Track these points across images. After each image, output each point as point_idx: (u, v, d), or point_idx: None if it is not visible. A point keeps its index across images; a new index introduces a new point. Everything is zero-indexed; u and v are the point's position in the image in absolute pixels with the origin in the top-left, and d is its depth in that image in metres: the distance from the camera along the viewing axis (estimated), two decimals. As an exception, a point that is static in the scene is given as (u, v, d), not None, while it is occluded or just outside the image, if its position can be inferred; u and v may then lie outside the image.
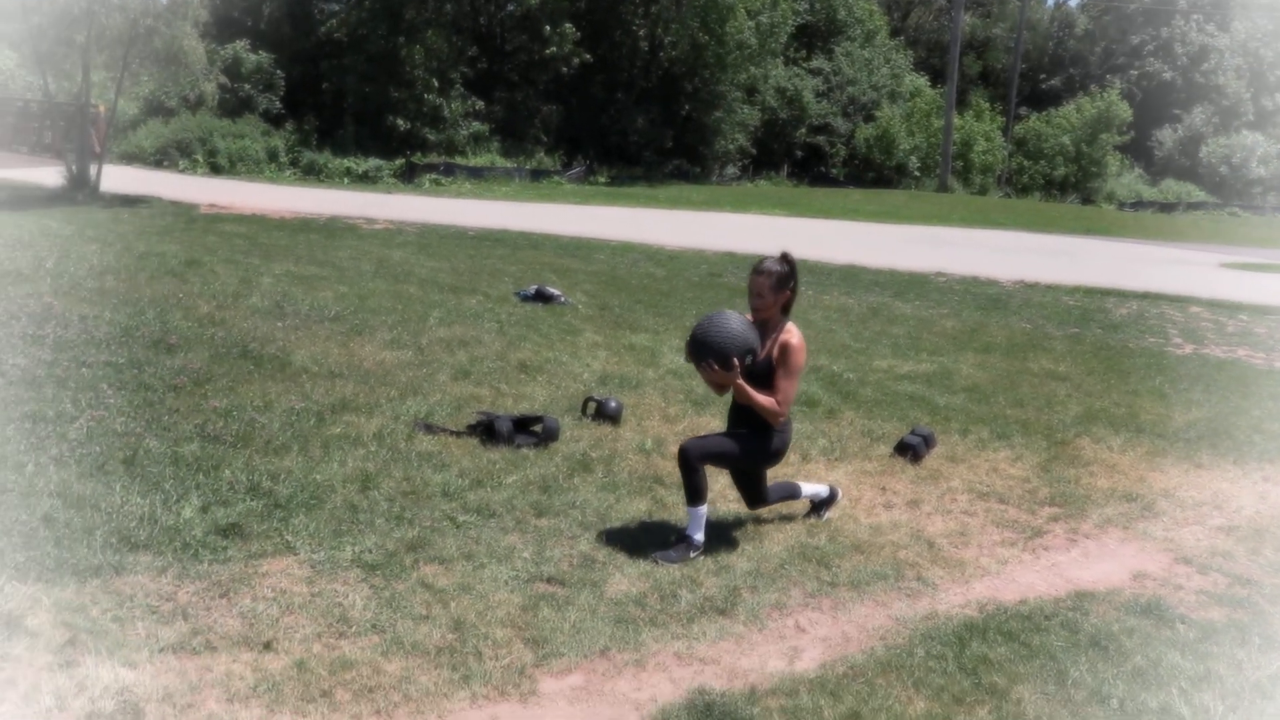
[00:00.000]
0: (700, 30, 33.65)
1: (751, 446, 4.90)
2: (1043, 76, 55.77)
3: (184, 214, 16.91)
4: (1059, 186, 41.81)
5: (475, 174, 28.85)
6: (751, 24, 34.00)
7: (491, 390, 7.24)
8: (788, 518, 5.34)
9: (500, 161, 30.60)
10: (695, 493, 4.78)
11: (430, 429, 6.18)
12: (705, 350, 4.69)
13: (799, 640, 4.00)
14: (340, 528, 4.61)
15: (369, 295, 10.28)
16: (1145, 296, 15.40)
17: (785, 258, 4.89)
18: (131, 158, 26.71)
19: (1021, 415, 7.75)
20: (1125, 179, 44.78)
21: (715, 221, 21.70)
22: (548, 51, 32.05)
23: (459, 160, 29.80)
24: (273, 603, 3.83)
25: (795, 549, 4.88)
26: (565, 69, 32.91)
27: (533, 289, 11.25)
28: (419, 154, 29.55)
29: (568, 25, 32.05)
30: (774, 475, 5.36)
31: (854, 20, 41.00)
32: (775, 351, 4.78)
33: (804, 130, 38.76)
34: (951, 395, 8.21)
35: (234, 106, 29.18)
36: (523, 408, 6.76)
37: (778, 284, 4.83)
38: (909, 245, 19.05)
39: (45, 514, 4.38)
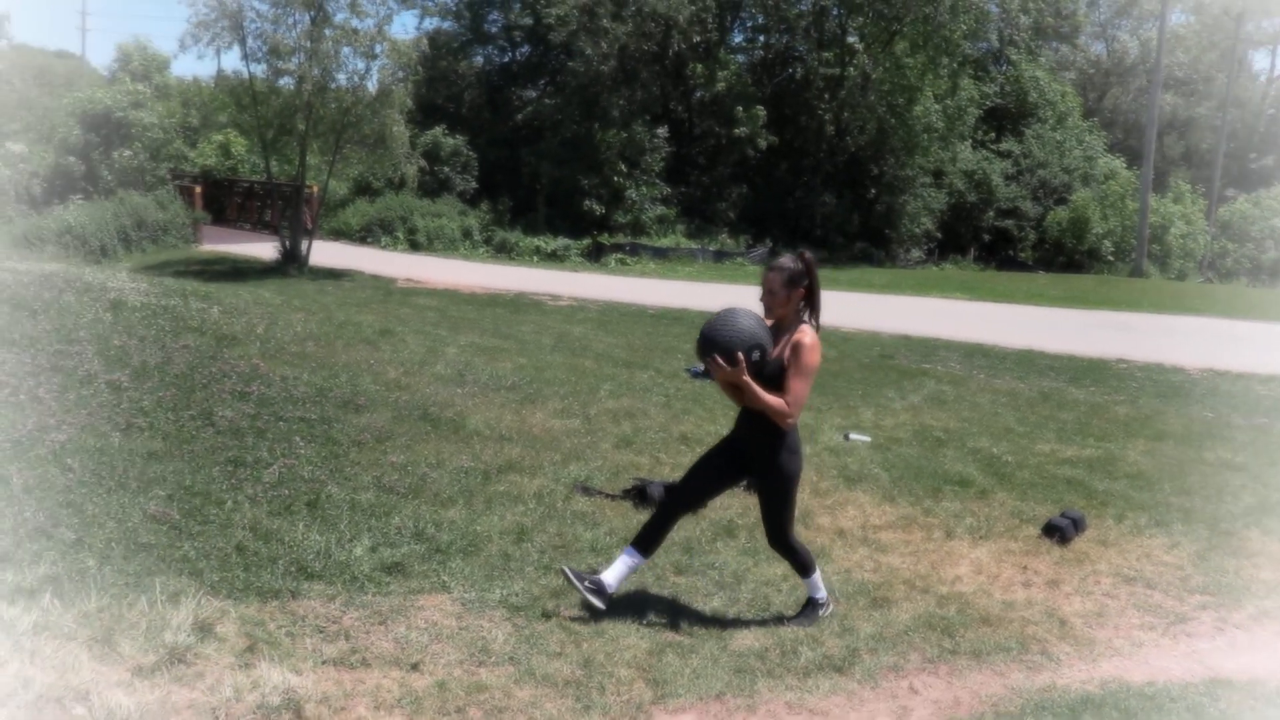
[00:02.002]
0: (887, 114, 33.82)
1: (775, 472, 4.77)
2: (1252, 156, 53.35)
3: (382, 287, 18.13)
4: (1268, 272, 39.78)
5: (660, 254, 29.67)
6: (938, 108, 33.95)
7: (651, 459, 7.62)
8: (922, 588, 5.46)
9: (685, 242, 31.35)
10: (804, 567, 4.90)
11: (587, 491, 6.60)
12: (711, 345, 4.58)
13: (910, 701, 4.19)
14: (493, 573, 5.08)
15: (546, 367, 10.86)
16: (1347, 390, 14.65)
17: (801, 256, 4.75)
18: (339, 234, 28.69)
19: (1186, 504, 7.60)
20: (1342, 265, 42.26)
21: (894, 304, 21.72)
22: (736, 132, 32.83)
23: (644, 241, 30.70)
24: (424, 632, 4.32)
25: (922, 617, 5.04)
26: (752, 152, 33.60)
27: (702, 366, 11.60)
28: (606, 234, 30.61)
29: (758, 108, 32.79)
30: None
31: (1045, 102, 40.31)
32: (787, 352, 4.62)
33: (992, 214, 38.24)
34: (1112, 481, 8.12)
35: (433, 187, 31.01)
36: (678, 476, 7.10)
37: (789, 281, 4.65)
38: (1092, 330, 18.63)
39: (238, 543, 5.05)
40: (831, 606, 5.01)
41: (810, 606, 4.96)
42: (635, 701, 3.93)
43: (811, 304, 4.75)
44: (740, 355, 4.50)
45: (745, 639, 4.62)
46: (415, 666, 4.03)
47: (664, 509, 4.88)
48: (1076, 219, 36.89)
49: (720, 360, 4.55)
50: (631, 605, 4.85)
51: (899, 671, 4.44)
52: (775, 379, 4.62)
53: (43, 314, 9.22)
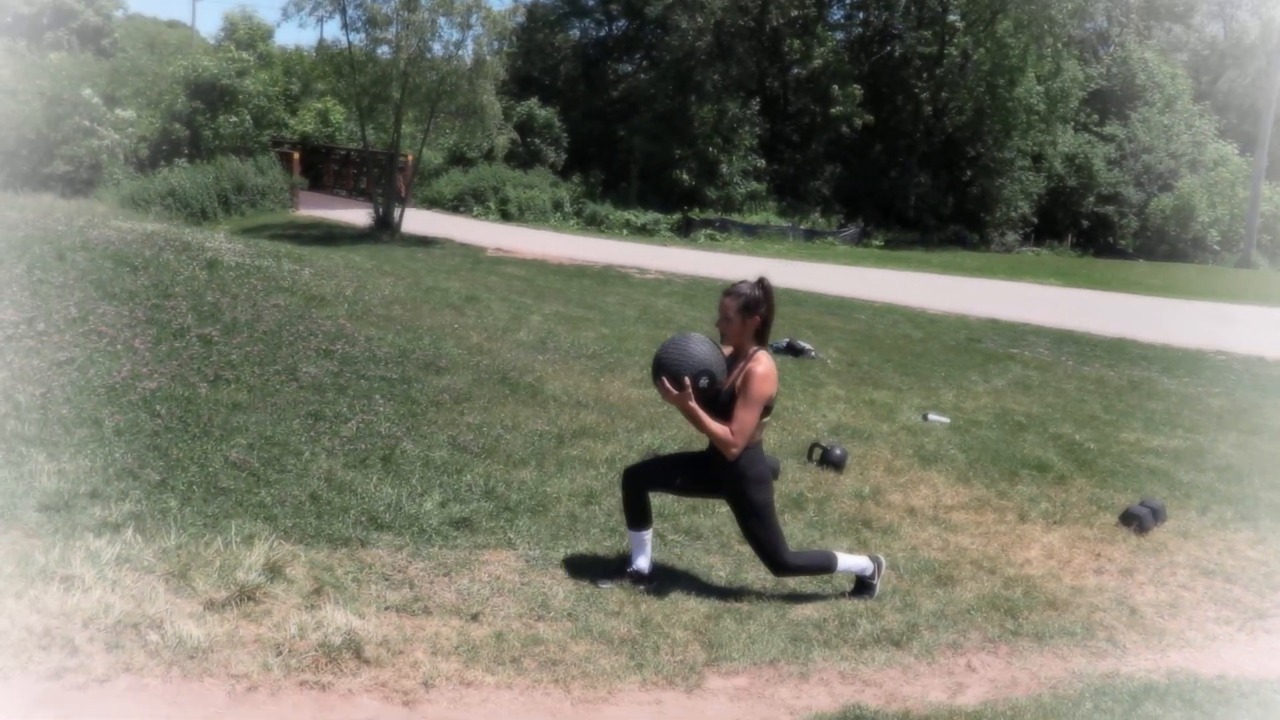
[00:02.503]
0: (986, 95, 33.11)
1: (741, 498, 4.65)
2: (1380, 142, 51.09)
3: (472, 255, 18.36)
4: (1397, 263, 38.14)
5: (750, 231, 29.52)
6: (1040, 89, 33.12)
7: (724, 431, 7.63)
8: (990, 569, 5.41)
9: (775, 220, 31.15)
10: (824, 570, 4.82)
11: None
12: (659, 369, 4.53)
13: (966, 678, 4.17)
14: (558, 533, 5.17)
15: (628, 338, 10.92)
16: None
17: (760, 283, 4.61)
18: (432, 203, 29.08)
19: (1277, 499, 7.39)
20: None
21: (985, 288, 21.33)
22: (832, 111, 32.49)
23: (735, 217, 30.58)
24: (486, 585, 4.44)
25: (986, 597, 5.00)
26: (847, 130, 33.23)
27: (785, 342, 11.56)
28: (697, 209, 30.55)
29: (854, 86, 32.39)
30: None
31: (1153, 84, 39.04)
32: (739, 380, 4.52)
33: (1092, 199, 37.26)
34: (1199, 473, 7.92)
35: (526, 159, 31.23)
36: (749, 448, 7.11)
37: (744, 308, 4.52)
38: (1191, 321, 18.07)
39: (313, 492, 5.22)
40: (883, 562, 4.97)
41: (861, 586, 4.92)
42: (688, 662, 3.98)
43: (764, 332, 4.62)
44: (687, 380, 4.43)
45: (804, 609, 4.63)
46: (475, 617, 4.14)
47: (627, 488, 4.80)
48: (1181, 206, 35.77)
49: (668, 384, 4.48)
50: (693, 571, 4.90)
51: (957, 649, 4.42)
52: (728, 406, 4.52)
53: (143, 270, 9.53)
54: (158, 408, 6.07)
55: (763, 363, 4.51)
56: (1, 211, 12.48)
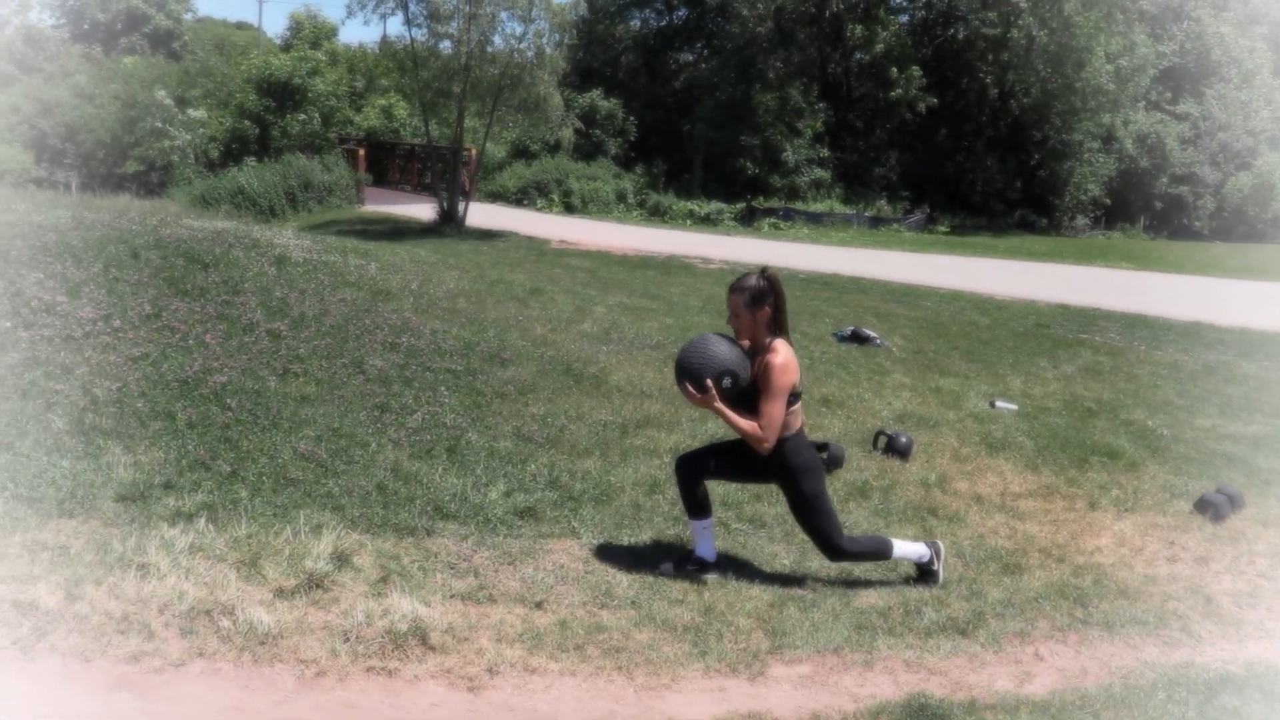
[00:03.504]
0: (1053, 76, 32.47)
1: (793, 486, 4.63)
2: None
3: (535, 248, 18.47)
4: None
5: (813, 219, 29.34)
6: (1110, 68, 32.39)
7: (789, 419, 7.60)
8: (1059, 557, 5.33)
9: (840, 208, 30.93)
10: (880, 556, 4.73)
11: (722, 448, 6.64)
12: (681, 373, 4.50)
13: (1034, 667, 4.11)
14: (622, 522, 5.19)
15: (692, 328, 10.90)
16: None
17: (763, 273, 4.56)
18: (495, 196, 29.28)
19: (1363, 487, 7.19)
20: None
21: (1054, 273, 20.99)
22: (893, 94, 32.14)
23: (799, 206, 30.40)
24: (550, 573, 4.47)
25: (1054, 585, 4.92)
26: (910, 115, 32.84)
27: (849, 330, 11.48)
28: (760, 198, 30.42)
29: (914, 69, 32.00)
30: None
31: (1230, 59, 38.00)
32: (759, 373, 4.47)
33: (1165, 180, 36.40)
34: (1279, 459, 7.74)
35: (588, 150, 31.30)
36: (814, 437, 7.07)
37: (751, 301, 4.48)
38: (1271, 304, 17.63)
39: (379, 483, 5.30)
40: (942, 548, 4.92)
41: (924, 574, 4.88)
42: (752, 650, 3.97)
43: (779, 320, 4.55)
44: (710, 383, 4.39)
45: (869, 597, 4.61)
46: (539, 605, 4.17)
47: (681, 478, 4.76)
48: (1261, 185, 34.76)
49: (690, 388, 4.45)
50: (756, 559, 4.89)
51: (1025, 638, 4.36)
52: (753, 400, 4.47)
53: (213, 267, 9.72)
54: (228, 401, 6.20)
55: (780, 353, 4.45)
56: (80, 212, 12.80)
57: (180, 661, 3.47)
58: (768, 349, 4.47)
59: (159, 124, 29.71)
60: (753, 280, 4.52)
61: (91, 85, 34.30)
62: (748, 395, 4.46)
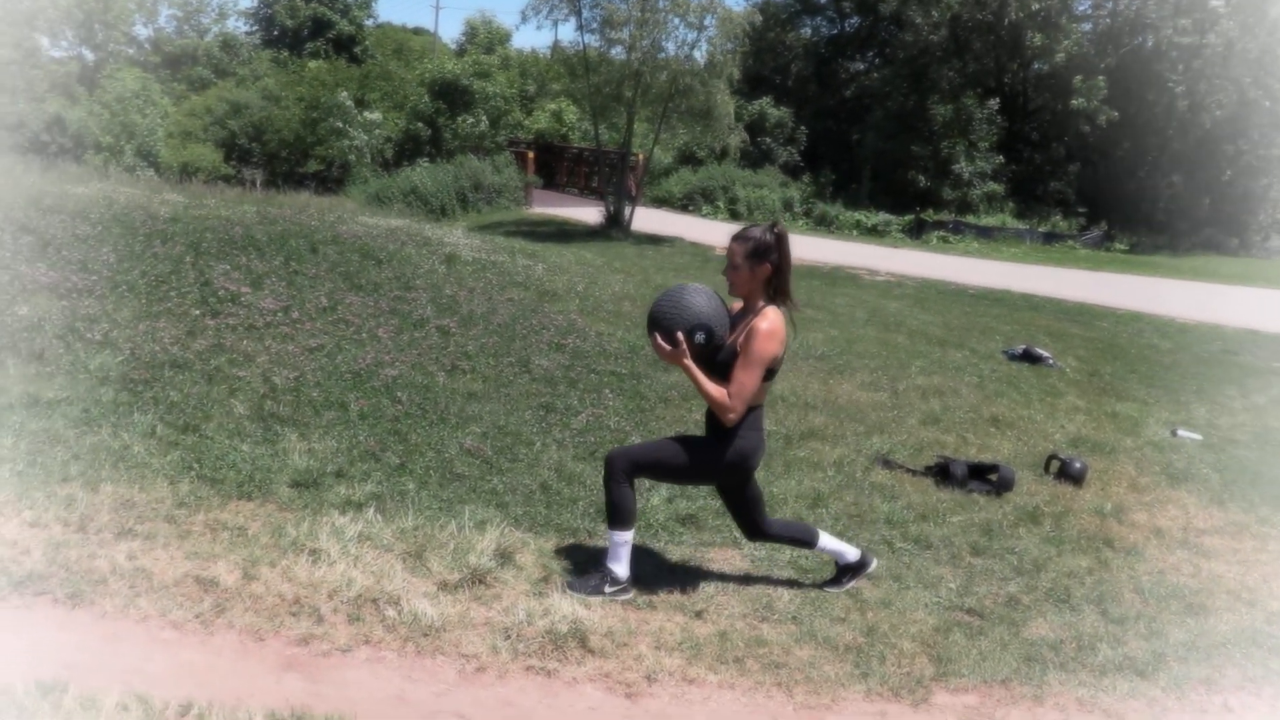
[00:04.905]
0: (1252, 85, 30.70)
1: (697, 453, 4.17)
2: None
3: (700, 254, 18.46)
4: None
5: (984, 233, 28.52)
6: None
7: (957, 438, 7.38)
8: (1249, 601, 5.00)
9: (1012, 222, 29.97)
10: (616, 512, 4.15)
11: (888, 464, 6.47)
12: (653, 322, 4.12)
13: (1222, 718, 3.85)
14: (783, 535, 5.08)
15: (857, 340, 10.72)
16: None
17: (773, 226, 4.17)
18: (661, 201, 29.40)
19: None
20: None
21: (1244, 297, 19.87)
22: (1073, 104, 30.98)
23: (969, 219, 29.61)
24: (711, 583, 4.41)
25: (1245, 632, 4.60)
26: (1089, 127, 31.59)
27: (1021, 349, 11.11)
28: (930, 211, 29.76)
29: (1099, 79, 30.77)
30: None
31: None
32: (742, 337, 4.05)
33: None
34: None
35: (756, 158, 31.15)
36: (983, 457, 6.85)
37: (752, 253, 4.06)
38: None
39: (543, 482, 5.35)
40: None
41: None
42: (916, 675, 3.83)
43: (779, 284, 4.13)
44: (680, 335, 4.01)
45: (1039, 628, 4.39)
46: (699, 614, 4.12)
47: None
48: None
49: (660, 340, 4.07)
50: (922, 580, 4.73)
51: (1211, 686, 4.08)
52: (729, 367, 4.07)
53: (387, 263, 10.02)
54: (399, 394, 6.36)
55: (768, 318, 4.04)
56: (264, 208, 13.38)
57: (347, 647, 3.54)
58: (758, 312, 4.08)
59: (339, 124, 30.88)
60: (759, 231, 4.14)
61: (278, 88, 35.96)
62: (719, 358, 4.08)
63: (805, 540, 4.49)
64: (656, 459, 4.18)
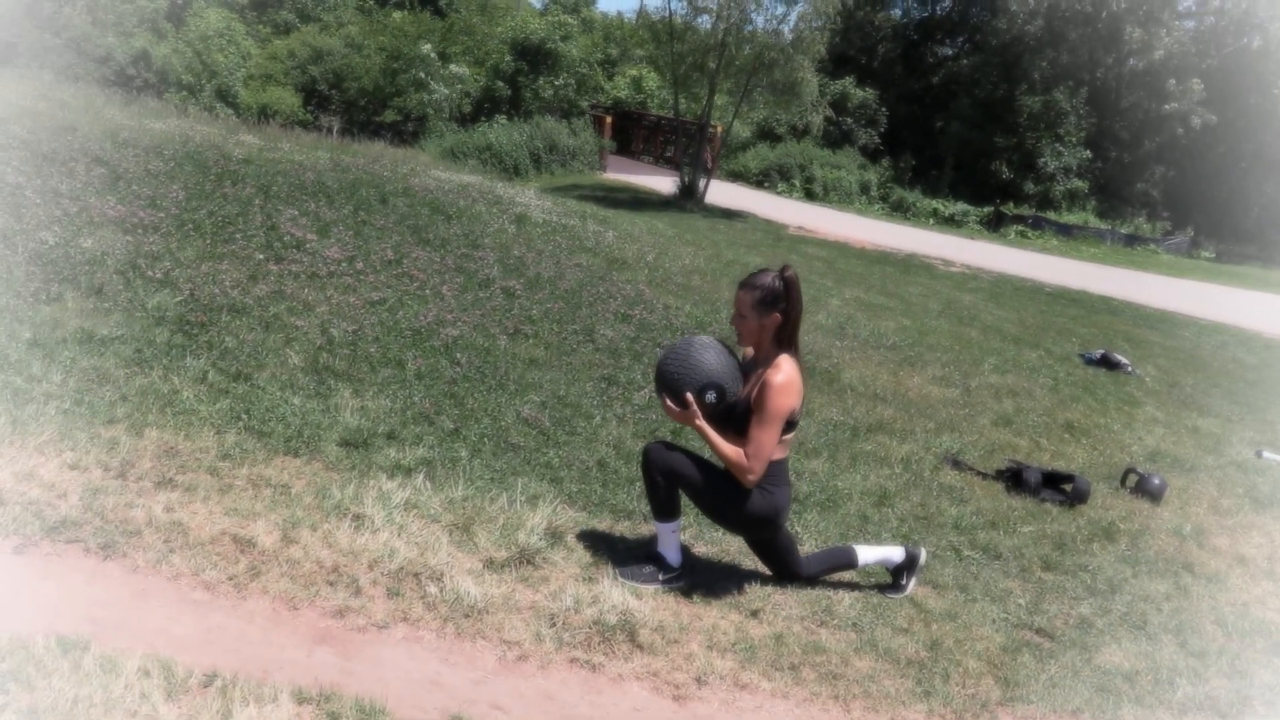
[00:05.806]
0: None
1: (726, 501, 3.94)
2: None
3: (773, 232, 18.14)
4: None
5: (1064, 231, 27.81)
6: None
7: (1030, 442, 7.09)
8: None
9: (1094, 221, 29.22)
10: (657, 504, 4.00)
11: (958, 465, 6.21)
12: (661, 382, 3.89)
13: (1311, 769, 3.58)
14: (847, 532, 4.84)
15: (929, 332, 10.41)
16: None
17: (782, 272, 3.94)
18: (737, 175, 29.02)
19: None
20: None
21: (1336, 314, 19.17)
22: (1166, 108, 30.06)
23: (1049, 215, 28.91)
24: (768, 581, 4.17)
25: (1339, 673, 4.31)
26: (1182, 130, 30.65)
27: (1099, 353, 10.75)
28: (1010, 204, 29.10)
29: (1195, 81, 29.80)
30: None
31: None
32: (755, 391, 3.84)
33: None
34: None
35: (836, 138, 30.63)
36: (1057, 465, 6.55)
37: (761, 302, 3.85)
38: None
39: (600, 459, 5.14)
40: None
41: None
42: (981, 698, 3.58)
43: (788, 334, 3.92)
44: (690, 397, 3.80)
45: (1112, 655, 4.12)
46: (755, 614, 3.89)
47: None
48: None
49: (669, 402, 3.86)
50: (990, 593, 4.47)
51: (1302, 732, 3.81)
52: (744, 421, 3.86)
53: (456, 219, 9.87)
54: (458, 355, 6.19)
55: (782, 370, 3.83)
56: (337, 155, 13.30)
57: (384, 623, 3.36)
58: (770, 364, 3.87)
59: (421, 76, 30.82)
60: (768, 278, 3.91)
61: (361, 36, 35.95)
62: (735, 413, 3.88)
63: (846, 564, 4.29)
64: (689, 480, 3.96)
